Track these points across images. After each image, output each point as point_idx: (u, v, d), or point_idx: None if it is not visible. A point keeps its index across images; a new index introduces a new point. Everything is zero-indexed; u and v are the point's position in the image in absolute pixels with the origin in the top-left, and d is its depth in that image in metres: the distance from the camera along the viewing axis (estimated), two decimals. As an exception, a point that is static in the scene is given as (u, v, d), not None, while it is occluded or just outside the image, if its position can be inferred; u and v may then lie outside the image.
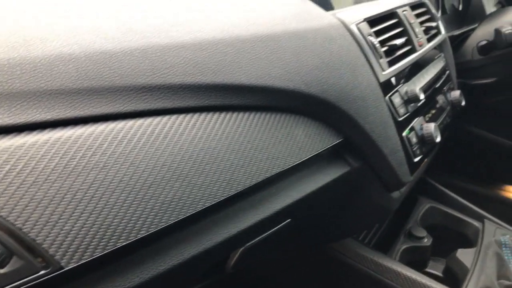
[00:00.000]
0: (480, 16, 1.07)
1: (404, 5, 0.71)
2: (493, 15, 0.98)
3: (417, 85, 0.66)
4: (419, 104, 0.65)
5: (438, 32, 0.81)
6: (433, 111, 0.72)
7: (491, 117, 1.39)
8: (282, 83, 0.44)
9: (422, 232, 0.80)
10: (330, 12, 0.59)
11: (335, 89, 0.48)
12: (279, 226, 0.47)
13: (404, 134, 0.60)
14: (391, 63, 0.59)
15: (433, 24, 0.77)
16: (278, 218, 0.46)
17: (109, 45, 0.36)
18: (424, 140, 0.63)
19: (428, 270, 0.80)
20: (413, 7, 0.74)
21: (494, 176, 1.48)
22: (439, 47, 0.84)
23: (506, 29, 0.86)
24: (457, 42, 0.97)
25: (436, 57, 0.79)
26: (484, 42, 0.91)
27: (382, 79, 0.55)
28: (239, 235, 0.41)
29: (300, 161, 0.45)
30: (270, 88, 0.43)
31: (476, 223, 0.84)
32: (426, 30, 0.75)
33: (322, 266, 0.72)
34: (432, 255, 0.83)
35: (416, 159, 0.62)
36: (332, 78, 0.48)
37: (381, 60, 0.56)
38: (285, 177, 0.46)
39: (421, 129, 0.63)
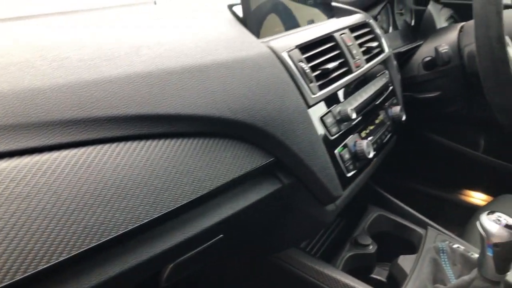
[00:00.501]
0: (431, 32, 1.13)
1: (343, 28, 0.75)
2: (438, 32, 1.03)
3: (352, 104, 0.70)
4: (354, 122, 0.70)
5: (381, 51, 0.86)
6: (371, 127, 0.76)
7: (448, 125, 1.46)
8: (208, 112, 0.48)
9: (367, 240, 0.85)
10: (267, 38, 0.63)
11: (262, 114, 0.52)
12: (210, 242, 0.51)
13: (336, 151, 0.65)
14: (323, 86, 0.64)
15: (374, 44, 0.82)
16: (208, 235, 0.50)
17: (38, 82, 0.40)
18: (357, 156, 0.68)
19: (373, 276, 0.85)
20: (354, 28, 0.79)
21: (452, 180, 1.55)
22: (384, 64, 0.89)
23: (442, 48, 0.92)
24: (405, 58, 1.02)
25: (378, 75, 0.84)
26: (428, 58, 0.96)
27: (311, 102, 0.60)
28: (166, 253, 0.45)
29: (227, 181, 0.49)
30: (195, 117, 0.47)
31: (420, 230, 0.89)
32: (367, 51, 0.80)
33: (266, 275, 0.76)
34: (380, 261, 0.88)
35: (349, 174, 0.67)
36: (259, 105, 0.52)
37: (311, 85, 0.61)
38: (214, 197, 0.50)
39: (355, 145, 0.68)
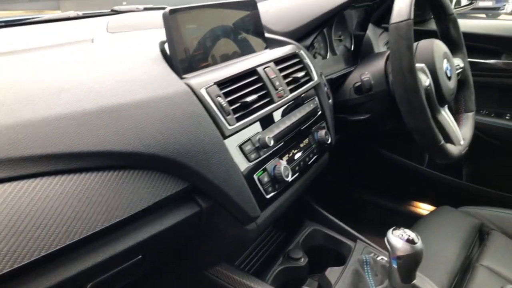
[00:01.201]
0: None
1: (269, 61, 0.83)
2: (368, 58, 1.12)
3: (274, 131, 0.77)
4: (274, 148, 0.77)
5: (310, 79, 0.94)
6: (295, 151, 0.84)
7: (397, 142, 1.56)
8: (120, 147, 0.54)
9: (298, 254, 0.92)
10: (191, 74, 0.70)
11: (175, 147, 0.59)
12: (128, 263, 0.57)
13: (255, 175, 0.72)
14: (242, 117, 0.71)
15: (300, 74, 0.89)
16: (125, 256, 0.56)
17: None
18: (276, 179, 0.75)
19: (303, 287, 0.92)
20: (280, 61, 0.87)
21: (400, 192, 1.65)
22: (315, 90, 0.97)
23: (364, 76, 1.00)
24: (338, 83, 1.11)
25: (307, 101, 0.92)
26: (357, 84, 1.04)
27: (228, 133, 0.67)
28: (82, 274, 0.51)
29: (141, 209, 0.56)
30: (108, 153, 0.53)
31: (350, 243, 0.96)
32: (293, 81, 0.87)
33: None
34: (313, 273, 0.95)
35: (269, 196, 0.74)
36: (172, 139, 0.59)
37: (228, 117, 0.67)
38: (130, 223, 0.56)
39: (274, 169, 0.75)
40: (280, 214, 0.82)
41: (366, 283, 0.85)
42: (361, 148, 1.63)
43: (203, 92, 0.66)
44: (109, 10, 1.07)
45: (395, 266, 0.72)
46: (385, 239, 0.73)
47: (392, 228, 0.74)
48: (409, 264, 0.71)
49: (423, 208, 1.58)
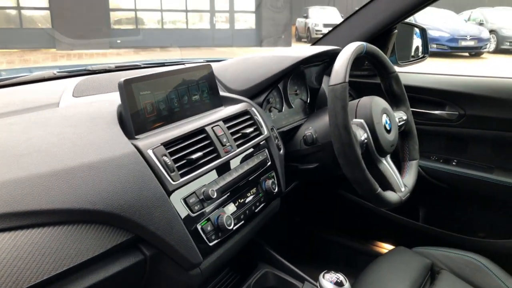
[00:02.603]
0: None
1: (218, 120, 0.93)
2: (317, 113, 1.24)
3: (219, 183, 0.87)
4: (220, 199, 0.86)
5: (259, 134, 1.04)
6: (241, 200, 0.92)
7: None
8: (69, 205, 0.63)
9: (248, 296, 0.99)
10: (142, 135, 0.80)
11: (119, 203, 0.68)
12: None
13: (199, 225, 0.80)
14: (187, 173, 0.80)
15: (249, 130, 1.00)
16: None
17: None
18: (220, 228, 0.83)
19: (252, 326, 0.99)
20: (230, 119, 0.97)
21: (361, 232, 1.74)
22: (266, 142, 1.07)
23: (307, 131, 1.11)
24: (291, 134, 1.21)
25: (256, 153, 1.02)
26: (306, 136, 1.15)
27: (172, 188, 0.76)
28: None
29: (87, 259, 0.64)
30: (58, 210, 0.62)
31: (299, 284, 1.04)
32: (242, 136, 0.98)
33: None
34: None
35: (212, 243, 0.82)
36: (117, 196, 0.68)
37: (172, 174, 0.77)
38: (77, 271, 0.64)
39: (217, 219, 0.83)
40: (226, 259, 0.90)
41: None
42: (325, 191, 1.72)
43: (149, 152, 0.76)
44: (83, 69, 1.18)
45: (326, 307, 0.81)
46: (317, 283, 0.82)
47: (324, 271, 0.82)
48: (338, 305, 0.79)
49: (384, 247, 1.66)
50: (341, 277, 0.81)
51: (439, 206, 1.58)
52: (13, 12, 12.46)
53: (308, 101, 1.42)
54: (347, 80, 0.98)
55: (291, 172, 1.18)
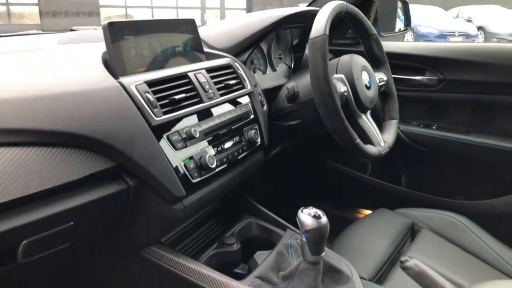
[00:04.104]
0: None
1: (200, 69, 0.96)
2: (300, 72, 1.27)
3: (202, 126, 0.89)
4: (204, 140, 0.89)
5: (243, 87, 1.07)
6: (224, 145, 0.95)
7: (342, 153, 1.70)
8: (53, 127, 0.66)
9: (231, 240, 1.02)
10: (125, 77, 0.83)
11: (103, 130, 0.71)
12: (60, 227, 0.68)
13: (182, 161, 0.83)
14: (169, 112, 0.83)
15: (232, 82, 1.03)
16: (57, 220, 0.66)
17: None
18: (203, 167, 0.86)
19: (236, 270, 1.01)
20: (213, 70, 1.00)
21: (345, 199, 1.78)
22: (249, 97, 1.10)
23: (289, 85, 1.15)
24: (275, 94, 1.25)
25: (239, 106, 1.05)
26: (288, 94, 1.18)
27: (154, 123, 0.78)
28: (15, 230, 0.61)
29: (72, 180, 0.67)
30: (43, 131, 0.64)
31: (280, 232, 1.07)
32: (225, 87, 1.01)
33: (137, 268, 0.91)
34: (248, 259, 1.04)
35: (195, 180, 0.85)
36: (100, 123, 0.71)
37: (155, 110, 0.79)
38: (62, 191, 0.67)
39: (200, 158, 0.86)
40: (209, 200, 0.93)
41: (288, 262, 0.96)
42: (309, 159, 1.76)
43: (132, 87, 0.79)
44: (69, 29, 1.20)
45: (304, 240, 0.84)
46: (296, 217, 0.85)
47: (302, 207, 0.85)
48: (316, 237, 0.82)
49: (366, 214, 1.70)
50: (319, 211, 0.84)
51: (420, 170, 1.62)
52: (2, 8, 12.37)
53: (292, 66, 1.45)
54: (327, 33, 1.02)
55: (275, 132, 1.21)
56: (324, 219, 0.83)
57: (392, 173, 1.67)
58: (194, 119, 0.90)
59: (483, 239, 1.25)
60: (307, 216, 0.83)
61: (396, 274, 1.12)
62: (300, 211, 0.84)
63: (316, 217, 0.83)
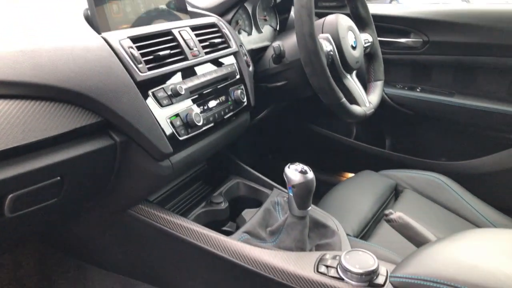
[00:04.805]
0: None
1: (185, 26, 0.94)
2: (285, 33, 1.26)
3: (187, 84, 0.89)
4: (190, 98, 0.89)
5: (228, 46, 1.06)
6: (210, 103, 0.95)
7: (327, 118, 1.71)
8: (36, 80, 0.64)
9: (219, 199, 1.03)
10: (108, 32, 0.81)
11: (87, 84, 0.69)
12: (47, 181, 0.67)
13: (168, 118, 0.82)
14: (154, 68, 0.82)
15: (217, 40, 1.01)
16: (44, 174, 0.66)
17: None
18: (189, 124, 0.86)
19: (224, 228, 1.03)
20: (197, 28, 0.98)
21: (330, 164, 1.80)
22: (235, 57, 1.09)
23: (275, 44, 1.14)
24: (260, 55, 1.24)
25: (225, 65, 1.04)
26: (274, 54, 1.17)
27: (139, 79, 0.77)
28: (1, 183, 0.60)
29: (58, 134, 0.66)
30: (25, 83, 0.63)
31: (267, 191, 1.08)
32: (210, 45, 0.99)
33: (127, 227, 0.92)
34: (235, 218, 1.06)
35: (182, 138, 0.85)
36: (84, 77, 0.69)
37: (139, 66, 0.78)
38: (49, 145, 0.66)
39: (187, 115, 0.86)
40: (197, 159, 0.93)
41: (275, 218, 0.97)
42: (294, 124, 1.77)
43: (116, 42, 0.77)
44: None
45: (291, 194, 0.85)
46: (283, 173, 0.86)
47: (289, 163, 0.86)
48: (302, 192, 0.84)
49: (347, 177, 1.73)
50: (305, 167, 0.85)
51: (405, 133, 1.65)
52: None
53: (277, 28, 1.43)
54: None
55: (261, 94, 1.21)
56: (310, 174, 0.84)
57: (376, 136, 1.69)
58: (179, 77, 0.89)
59: (463, 197, 1.28)
60: (294, 171, 0.84)
61: (380, 231, 1.15)
62: (287, 167, 0.85)
63: (303, 172, 0.84)
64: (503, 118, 1.39)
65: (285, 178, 0.85)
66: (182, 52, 0.90)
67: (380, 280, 0.71)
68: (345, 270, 0.72)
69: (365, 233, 1.15)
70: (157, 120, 0.79)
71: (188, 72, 0.91)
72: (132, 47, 0.79)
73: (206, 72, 0.96)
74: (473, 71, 1.46)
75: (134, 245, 0.96)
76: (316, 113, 1.70)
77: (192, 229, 0.87)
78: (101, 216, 0.94)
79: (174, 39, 0.90)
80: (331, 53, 1.09)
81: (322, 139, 1.74)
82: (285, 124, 1.76)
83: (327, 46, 1.08)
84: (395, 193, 1.37)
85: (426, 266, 0.63)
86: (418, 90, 1.54)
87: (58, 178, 0.69)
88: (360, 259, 0.74)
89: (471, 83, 1.46)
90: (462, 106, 1.45)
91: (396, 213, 0.88)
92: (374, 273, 0.72)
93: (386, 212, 0.90)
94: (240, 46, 1.13)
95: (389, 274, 0.71)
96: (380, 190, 1.33)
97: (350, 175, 1.73)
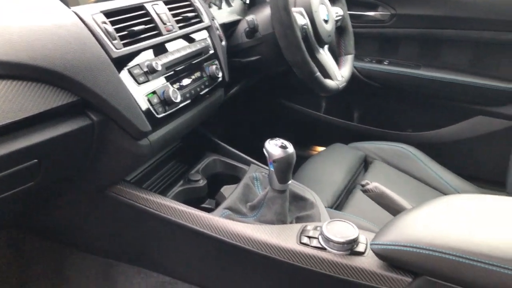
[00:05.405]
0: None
1: (157, 0, 0.91)
2: (257, 7, 1.25)
3: (162, 60, 0.86)
4: (166, 74, 0.87)
5: (200, 21, 1.03)
6: (186, 80, 0.93)
7: (298, 92, 1.72)
8: (7, 58, 0.60)
9: (197, 177, 1.03)
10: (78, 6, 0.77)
11: (62, 62, 0.66)
12: (24, 164, 0.64)
13: (145, 95, 0.81)
14: (129, 44, 0.79)
15: (190, 14, 0.99)
16: (21, 157, 0.63)
17: None
18: (166, 101, 0.84)
19: (203, 205, 1.03)
20: (170, 2, 0.95)
21: (302, 138, 1.83)
22: (208, 32, 1.07)
23: (249, 18, 1.12)
24: (232, 29, 1.22)
25: (199, 40, 1.02)
26: (248, 29, 1.16)
27: (115, 55, 0.75)
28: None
29: (33, 114, 0.63)
30: None
31: (245, 167, 1.09)
32: (183, 19, 0.97)
33: (106, 208, 0.90)
34: (214, 195, 1.06)
35: (160, 116, 0.83)
36: (58, 55, 0.66)
37: (114, 42, 0.75)
38: (25, 127, 0.63)
39: (164, 92, 0.84)
40: (174, 136, 0.92)
41: (254, 193, 0.99)
42: (265, 100, 1.77)
43: (89, 17, 0.74)
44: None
45: (272, 169, 0.86)
46: (263, 149, 0.86)
47: (268, 139, 0.87)
48: (283, 166, 0.84)
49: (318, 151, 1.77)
50: (285, 142, 0.86)
51: (372, 105, 1.69)
52: None
53: (247, 2, 1.41)
54: None
55: (234, 69, 1.20)
56: (290, 149, 0.85)
57: (344, 109, 1.73)
58: (155, 52, 0.86)
59: (429, 166, 1.34)
60: (274, 146, 0.85)
61: (352, 201, 1.19)
62: (267, 142, 0.86)
63: (283, 147, 0.85)
64: (466, 89, 1.45)
65: (266, 154, 0.85)
66: (156, 27, 0.87)
67: (360, 248, 0.74)
68: (327, 240, 0.75)
69: (339, 204, 1.19)
70: (134, 98, 0.78)
71: (161, 48, 0.89)
72: (105, 22, 0.76)
73: (180, 47, 0.94)
74: (438, 44, 1.50)
75: (114, 226, 0.94)
76: (287, 88, 1.71)
77: (173, 207, 0.87)
78: (79, 198, 0.91)
79: (147, 13, 0.87)
80: (305, 27, 1.09)
81: (293, 114, 1.76)
82: (256, 100, 1.76)
83: (301, 20, 1.08)
84: (365, 164, 1.41)
85: (405, 233, 0.66)
86: (385, 63, 1.58)
87: (35, 160, 0.66)
88: (341, 229, 0.76)
89: (437, 55, 1.51)
90: (428, 78, 1.50)
91: (372, 183, 0.91)
92: (355, 241, 0.74)
93: (363, 182, 0.93)
94: (212, 20, 1.10)
95: (369, 242, 0.74)
96: (351, 162, 1.36)
97: (321, 148, 1.77)
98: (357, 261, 0.72)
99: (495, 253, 0.58)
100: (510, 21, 1.38)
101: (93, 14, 0.75)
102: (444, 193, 1.28)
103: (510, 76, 1.42)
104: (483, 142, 1.48)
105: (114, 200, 0.88)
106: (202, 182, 1.02)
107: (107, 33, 0.75)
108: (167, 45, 0.91)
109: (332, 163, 1.35)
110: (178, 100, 0.86)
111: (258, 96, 1.76)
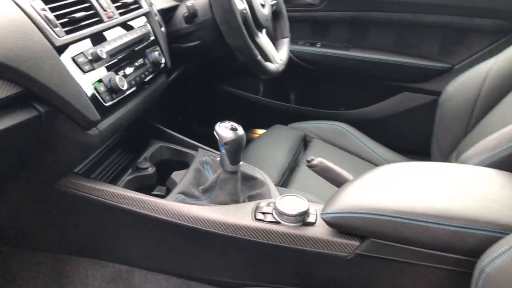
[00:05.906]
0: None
1: (96, -13, 0.89)
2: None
3: (105, 47, 0.85)
4: (110, 63, 0.85)
5: (139, 7, 1.02)
6: (130, 68, 0.92)
7: (236, 77, 1.75)
8: None
9: (146, 164, 1.03)
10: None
11: (3, 51, 0.63)
12: None
13: (92, 84, 0.79)
14: (71, 31, 0.77)
15: (129, 0, 0.97)
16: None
17: None
18: (113, 89, 0.83)
19: (153, 193, 1.04)
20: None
21: (241, 122, 1.87)
22: (147, 18, 1.05)
23: (189, 3, 1.13)
24: (171, 15, 1.21)
25: (139, 26, 1.00)
26: (186, 14, 1.16)
27: (58, 44, 0.73)
28: None
29: None
30: None
31: (193, 152, 1.10)
32: (123, 6, 0.95)
33: (56, 202, 0.88)
34: (164, 182, 1.07)
35: (108, 104, 0.82)
36: (-1, 44, 0.63)
37: (56, 29, 0.73)
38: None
39: (110, 81, 0.83)
40: (122, 124, 0.91)
41: (205, 177, 1.01)
42: (202, 85, 1.78)
43: (26, 4, 0.70)
44: None
45: (223, 151, 0.88)
46: (214, 132, 0.88)
47: (219, 122, 0.89)
48: (234, 148, 0.88)
49: (259, 133, 1.82)
50: (234, 124, 0.89)
51: (308, 87, 1.77)
52: None
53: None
54: None
55: (176, 55, 1.19)
56: (240, 131, 0.88)
57: (282, 92, 1.79)
58: (96, 40, 0.84)
59: (363, 141, 1.44)
60: (225, 129, 0.87)
61: (296, 178, 1.26)
62: (217, 125, 0.88)
63: (233, 129, 0.88)
64: (392, 68, 1.57)
65: (217, 136, 0.88)
66: (97, 14, 0.85)
67: (311, 218, 0.80)
68: (281, 214, 0.79)
69: (284, 181, 1.25)
70: (81, 87, 0.76)
71: (101, 37, 0.87)
72: (45, 9, 0.73)
73: (122, 34, 0.93)
74: (366, 26, 1.60)
75: (64, 220, 0.92)
76: (225, 73, 1.73)
77: (126, 195, 0.87)
78: (26, 194, 0.88)
79: (87, 0, 0.85)
80: (244, 11, 1.12)
81: (231, 98, 1.79)
82: (195, 85, 1.76)
83: (240, 4, 1.10)
84: (305, 143, 1.48)
85: (351, 201, 0.73)
86: (318, 45, 1.65)
87: None
88: (292, 203, 0.81)
89: (365, 37, 1.61)
90: (357, 59, 1.59)
91: (317, 159, 0.97)
92: (306, 213, 0.80)
93: (308, 159, 0.99)
94: (151, 5, 1.09)
95: (319, 212, 0.80)
96: (291, 141, 1.43)
97: (262, 131, 1.83)
98: (309, 231, 0.78)
99: (430, 211, 0.67)
100: (429, 3, 1.51)
101: (31, 1, 0.72)
102: (377, 165, 1.39)
103: (430, 55, 1.56)
104: (409, 116, 1.61)
105: (63, 193, 0.86)
106: (151, 170, 1.03)
107: (47, 20, 0.72)
108: (106, 34, 0.89)
109: (274, 144, 1.40)
110: (125, 87, 0.85)
111: (196, 82, 1.76)
